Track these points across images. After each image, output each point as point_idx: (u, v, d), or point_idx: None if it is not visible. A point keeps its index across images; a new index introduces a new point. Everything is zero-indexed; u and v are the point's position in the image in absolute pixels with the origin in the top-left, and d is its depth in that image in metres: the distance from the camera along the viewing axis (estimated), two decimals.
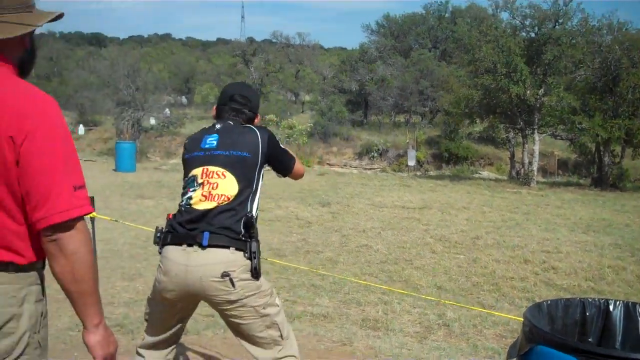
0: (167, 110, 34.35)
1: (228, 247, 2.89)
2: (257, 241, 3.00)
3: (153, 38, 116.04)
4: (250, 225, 2.96)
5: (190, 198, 3.01)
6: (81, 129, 35.74)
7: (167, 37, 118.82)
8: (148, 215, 12.53)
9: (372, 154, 33.81)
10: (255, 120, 3.33)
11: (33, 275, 1.97)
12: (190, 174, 3.09)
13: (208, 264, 2.87)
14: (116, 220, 6.66)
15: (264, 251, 9.10)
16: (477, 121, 25.17)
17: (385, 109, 41.07)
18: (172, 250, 2.97)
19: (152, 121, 31.23)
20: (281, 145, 3.28)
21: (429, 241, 9.92)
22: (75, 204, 1.89)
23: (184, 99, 54.71)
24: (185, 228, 2.96)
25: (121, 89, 29.71)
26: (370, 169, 32.34)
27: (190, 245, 2.91)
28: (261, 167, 3.11)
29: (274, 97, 45.29)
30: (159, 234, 3.08)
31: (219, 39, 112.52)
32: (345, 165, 33.33)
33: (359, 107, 42.56)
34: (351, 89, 41.26)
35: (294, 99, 56.62)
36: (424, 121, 39.93)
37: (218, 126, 3.18)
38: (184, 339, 5.04)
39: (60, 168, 1.88)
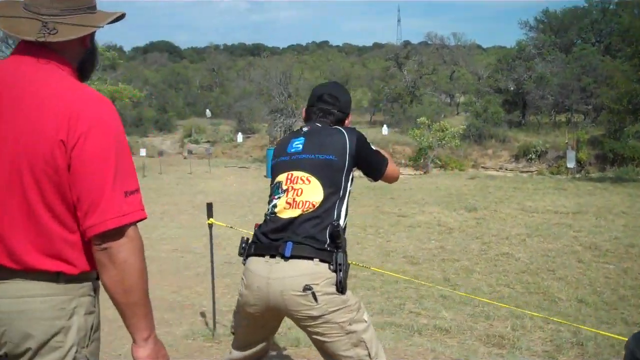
0: None
1: (312, 259, 2.69)
2: (345, 252, 2.78)
3: (311, 46, 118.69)
4: (336, 234, 2.74)
5: (275, 206, 2.86)
6: (239, 137, 37.02)
7: (324, 44, 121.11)
8: None
9: (530, 155, 32.30)
10: (346, 121, 3.16)
11: (86, 285, 1.91)
12: (276, 181, 2.96)
13: (290, 276, 2.68)
14: (231, 227, 6.60)
15: (399, 258, 8.85)
16: None
17: (545, 108, 39.13)
18: (254, 262, 2.81)
19: (305, 128, 31.64)
20: (372, 146, 3.07)
21: (576, 249, 9.19)
22: (126, 211, 1.82)
23: None
24: (269, 238, 2.81)
25: (274, 97, 30.41)
26: (527, 171, 30.90)
27: (272, 256, 2.75)
28: (349, 171, 2.91)
29: (428, 100, 44.63)
30: (243, 245, 2.96)
31: (375, 44, 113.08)
32: (500, 169, 32.10)
33: (516, 107, 40.90)
34: (508, 88, 39.76)
35: (448, 100, 55.57)
36: (587, 120, 37.69)
37: (305, 129, 3.05)
38: (295, 351, 4.90)
39: (112, 173, 1.80)
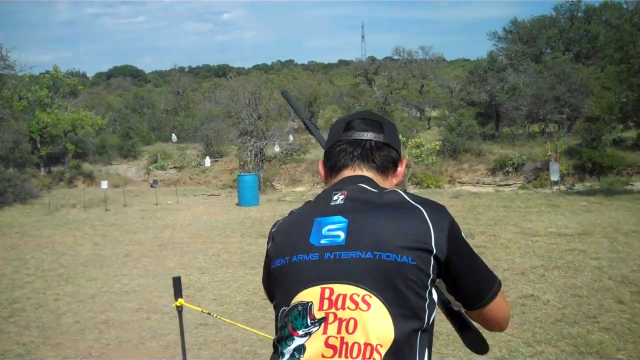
0: (290, 136, 33.54)
1: None
2: None
3: (276, 65, 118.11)
4: None
5: (301, 350, 1.49)
6: (207, 161, 35.84)
7: (289, 62, 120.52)
8: None
9: (507, 168, 31.42)
10: (399, 168, 1.80)
11: None
12: (295, 300, 1.56)
13: None
14: (209, 314, 5.27)
15: None
16: (632, 126, 22.46)
17: (519, 119, 38.44)
18: None
19: (277, 148, 30.51)
20: (468, 241, 1.66)
21: (608, 285, 7.98)
22: None
23: None
24: None
25: (243, 118, 29.17)
26: (506, 185, 30.00)
27: None
28: (433, 281, 1.56)
29: (399, 115, 43.72)
30: None
31: (340, 61, 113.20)
32: (478, 183, 31.19)
33: (489, 120, 40.16)
34: (480, 100, 39.00)
35: (419, 115, 54.84)
36: (562, 130, 37.05)
37: (340, 197, 1.65)
38: None
39: None
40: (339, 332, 1.46)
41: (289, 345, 1.52)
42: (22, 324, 7.81)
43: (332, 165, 1.77)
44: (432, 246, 1.53)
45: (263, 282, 1.76)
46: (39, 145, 34.28)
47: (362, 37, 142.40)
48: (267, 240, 1.75)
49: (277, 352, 1.58)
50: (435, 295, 1.59)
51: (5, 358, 6.57)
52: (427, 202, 1.62)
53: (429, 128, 48.34)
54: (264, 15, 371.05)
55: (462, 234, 1.63)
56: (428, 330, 1.54)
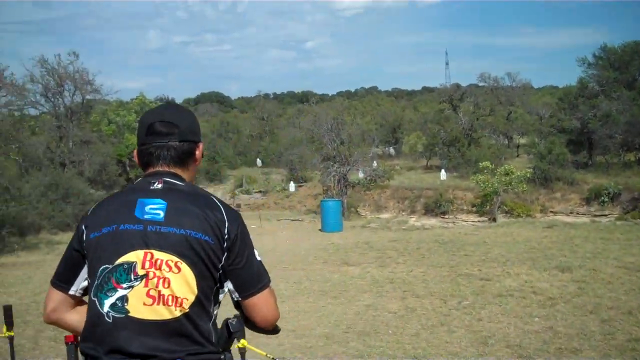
0: (374, 162, 33.13)
1: None
2: None
3: (360, 92, 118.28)
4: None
5: (124, 299, 1.94)
6: (292, 186, 35.81)
7: (373, 89, 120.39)
8: (352, 290, 10.89)
9: (603, 198, 29.92)
10: (197, 152, 2.23)
11: None
12: (121, 260, 1.97)
13: None
14: (273, 359, 4.89)
15: (501, 348, 6.95)
16: None
17: (613, 148, 36.76)
18: None
19: (360, 174, 30.15)
20: (255, 251, 2.17)
21: None
22: None
23: (391, 150, 53.62)
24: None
25: (325, 144, 28.97)
26: (602, 215, 28.57)
27: None
28: (223, 270, 2.09)
29: (486, 142, 42.69)
30: None
31: (424, 88, 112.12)
32: (571, 213, 29.83)
33: (581, 148, 38.62)
34: (571, 128, 37.55)
35: (506, 142, 53.44)
36: None
37: (158, 185, 2.10)
38: None
39: None
40: (157, 286, 1.92)
41: (110, 297, 1.93)
42: None
43: (144, 164, 2.18)
44: (225, 233, 2.03)
45: (71, 249, 2.11)
46: (127, 169, 35.09)
47: (446, 63, 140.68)
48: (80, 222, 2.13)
49: (95, 304, 1.96)
50: (223, 286, 2.08)
51: None
52: (225, 204, 2.13)
53: (517, 156, 46.93)
54: (346, 42, 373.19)
55: (248, 235, 2.13)
56: (219, 290, 2.08)
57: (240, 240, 2.05)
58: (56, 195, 23.77)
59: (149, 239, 1.95)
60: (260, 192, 37.86)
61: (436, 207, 28.99)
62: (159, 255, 1.94)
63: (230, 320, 2.10)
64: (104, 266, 1.96)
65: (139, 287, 1.91)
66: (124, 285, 1.92)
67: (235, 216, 2.08)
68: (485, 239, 16.97)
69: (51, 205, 22.98)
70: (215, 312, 2.05)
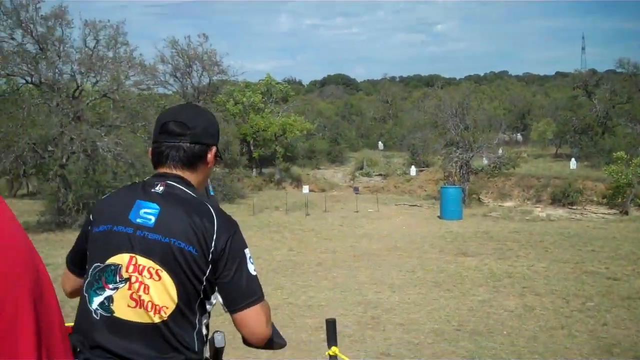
0: (500, 149, 31.91)
1: None
2: None
3: (489, 76, 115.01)
4: None
5: (110, 299, 1.93)
6: (413, 170, 35.31)
7: (503, 74, 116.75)
8: (467, 283, 10.39)
9: None
10: (209, 156, 2.16)
11: None
12: (110, 260, 1.96)
13: None
14: None
15: (626, 353, 6.31)
16: None
17: None
18: None
19: (484, 161, 29.13)
20: (250, 261, 2.03)
21: None
22: None
23: (518, 136, 51.70)
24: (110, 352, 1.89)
25: (449, 129, 28.15)
26: None
27: None
28: (209, 282, 1.96)
29: (622, 131, 40.23)
30: None
31: (557, 73, 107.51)
32: None
33: None
34: None
35: None
36: None
37: (160, 189, 2.04)
38: None
39: None
40: (138, 291, 1.89)
41: (99, 295, 1.94)
42: None
43: (154, 162, 2.15)
44: (211, 246, 1.93)
45: (80, 238, 2.15)
46: (252, 148, 35.71)
47: (583, 48, 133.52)
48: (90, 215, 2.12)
49: (85, 300, 1.97)
50: (210, 300, 1.98)
51: None
52: (222, 213, 2.02)
53: None
54: (478, 26, 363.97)
55: (244, 248, 2.00)
56: (205, 302, 1.97)
57: (229, 254, 1.96)
58: None
59: (135, 244, 1.94)
60: (380, 175, 37.54)
61: (564, 197, 27.67)
62: (142, 261, 1.92)
63: (215, 334, 2.05)
64: (96, 264, 1.98)
65: (123, 289, 1.91)
66: (111, 286, 1.93)
67: (227, 228, 1.98)
68: (615, 233, 15.88)
69: None
70: (203, 322, 1.99)
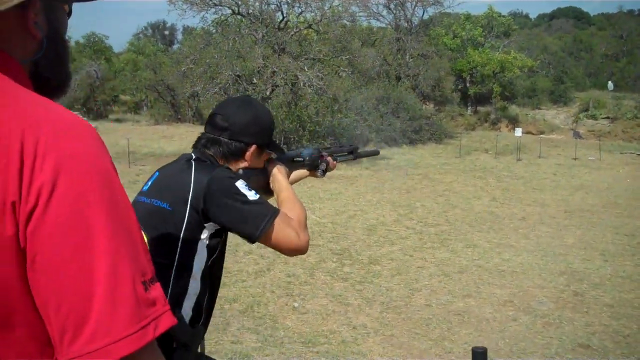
0: None
1: None
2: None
3: None
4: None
5: None
6: None
7: None
8: None
9: None
10: (247, 154, 2.11)
11: None
12: None
13: None
14: None
15: None
16: None
17: None
18: None
19: None
20: (246, 193, 1.91)
21: None
22: (142, 319, 0.87)
23: None
24: None
25: None
26: None
27: None
28: (193, 230, 1.92)
29: None
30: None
31: None
32: None
33: None
34: None
35: None
36: None
37: (182, 159, 2.09)
38: None
39: (104, 259, 0.86)
40: None
41: None
42: (367, 297, 6.77)
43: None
44: (188, 199, 1.91)
45: None
46: (467, 85, 34.20)
47: None
48: None
49: None
50: (203, 242, 1.94)
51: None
52: (204, 167, 1.99)
53: None
54: None
55: (229, 190, 1.91)
56: (182, 274, 1.92)
57: (214, 200, 1.90)
58: (387, 109, 23.76)
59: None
60: (607, 118, 34.34)
61: None
62: None
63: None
64: None
65: None
66: None
67: (204, 175, 1.93)
68: None
69: (381, 119, 23.03)
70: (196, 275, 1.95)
